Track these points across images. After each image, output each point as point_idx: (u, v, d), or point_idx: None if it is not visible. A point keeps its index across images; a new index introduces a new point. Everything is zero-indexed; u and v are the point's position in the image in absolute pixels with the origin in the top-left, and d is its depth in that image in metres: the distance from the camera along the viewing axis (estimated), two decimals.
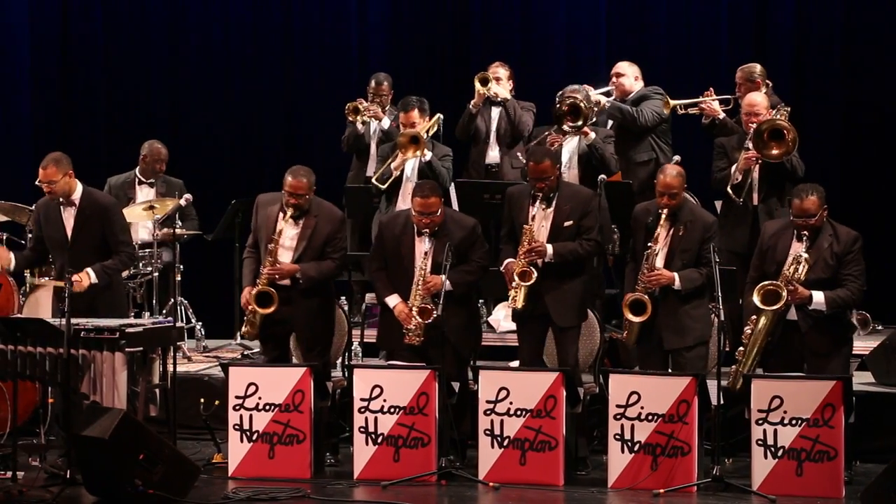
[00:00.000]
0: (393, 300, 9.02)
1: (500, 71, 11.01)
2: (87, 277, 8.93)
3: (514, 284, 8.91)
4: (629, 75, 10.76)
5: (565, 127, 10.11)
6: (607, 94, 10.69)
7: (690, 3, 12.36)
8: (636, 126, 10.57)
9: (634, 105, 10.61)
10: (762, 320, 8.52)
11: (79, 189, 9.11)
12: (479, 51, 12.35)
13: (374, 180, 10.47)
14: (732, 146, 9.91)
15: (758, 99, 9.95)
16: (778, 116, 9.87)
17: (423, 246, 8.97)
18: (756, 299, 8.48)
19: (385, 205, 10.49)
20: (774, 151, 9.64)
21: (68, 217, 9.10)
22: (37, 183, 9.12)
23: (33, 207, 9.41)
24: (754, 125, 9.73)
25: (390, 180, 10.36)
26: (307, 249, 9.02)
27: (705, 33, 12.31)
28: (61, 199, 9.05)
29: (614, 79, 10.73)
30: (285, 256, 9.01)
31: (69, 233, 9.08)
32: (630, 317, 8.77)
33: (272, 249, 8.95)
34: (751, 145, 9.70)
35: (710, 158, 10.50)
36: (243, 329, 9.15)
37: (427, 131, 10.56)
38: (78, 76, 13.11)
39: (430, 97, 10.77)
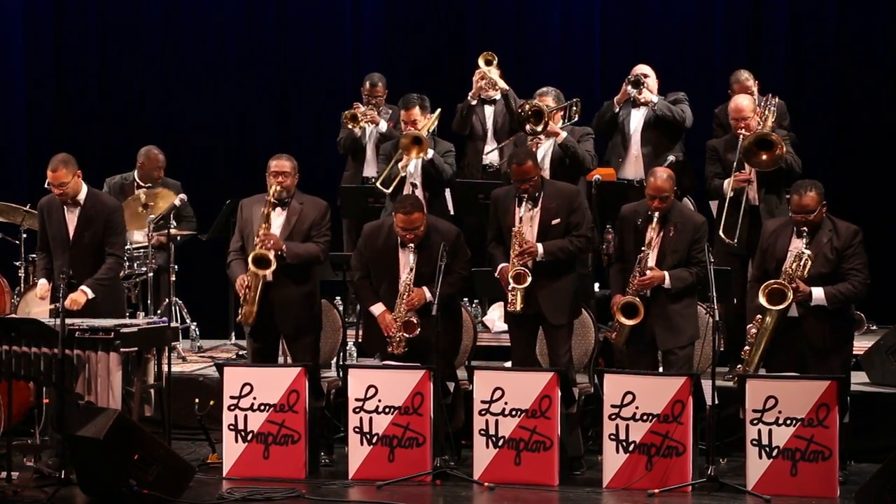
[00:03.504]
0: (377, 309, 9.02)
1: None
2: (82, 296, 8.97)
3: (510, 288, 8.92)
4: (653, 77, 10.67)
5: (528, 129, 10.07)
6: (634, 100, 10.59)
7: (685, 3, 12.37)
8: (682, 127, 10.59)
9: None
10: (768, 319, 8.50)
11: (84, 190, 9.12)
12: (474, 50, 12.32)
13: (378, 184, 10.40)
14: (724, 149, 9.88)
15: (744, 103, 9.84)
16: (767, 114, 9.85)
17: (406, 258, 8.97)
18: (762, 299, 8.45)
19: (390, 205, 10.44)
20: (764, 157, 9.59)
21: (72, 217, 9.10)
22: (46, 185, 9.10)
23: (37, 207, 9.37)
24: (742, 132, 9.69)
25: (395, 182, 10.32)
26: (293, 234, 9.07)
27: (700, 32, 12.31)
28: (67, 200, 9.06)
29: (642, 79, 10.60)
30: None
31: (71, 233, 9.09)
32: (623, 320, 8.77)
33: (265, 215, 8.98)
34: (740, 156, 9.62)
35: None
36: (241, 312, 9.10)
37: (428, 129, 10.54)
38: (72, 77, 13.09)
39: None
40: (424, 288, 8.85)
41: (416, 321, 8.83)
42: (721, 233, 9.66)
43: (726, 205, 9.70)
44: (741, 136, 9.68)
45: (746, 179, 9.68)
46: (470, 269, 9.18)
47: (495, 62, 10.97)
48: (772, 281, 8.49)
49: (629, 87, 10.53)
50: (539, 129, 9.99)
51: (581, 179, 10.15)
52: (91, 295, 8.99)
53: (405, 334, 8.86)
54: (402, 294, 8.92)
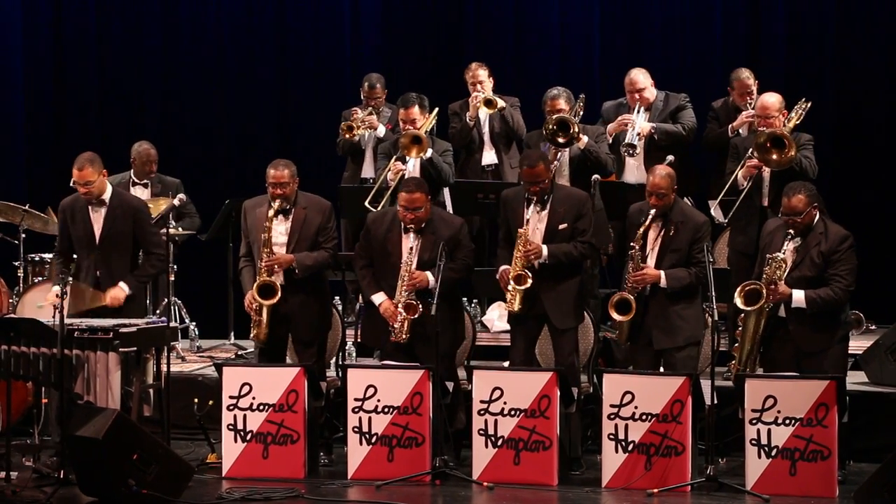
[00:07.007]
0: (379, 298, 9.03)
1: (480, 73, 10.94)
2: (121, 292, 8.98)
3: (510, 288, 8.92)
4: (647, 85, 10.60)
5: (560, 141, 10.08)
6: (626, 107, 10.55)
7: (684, 4, 12.37)
8: (685, 139, 10.56)
9: (672, 118, 10.57)
10: (748, 320, 8.54)
11: (108, 189, 9.11)
12: (473, 51, 12.34)
13: (367, 203, 10.36)
14: (747, 148, 9.82)
15: (770, 100, 9.78)
16: (793, 116, 9.83)
17: (408, 242, 8.99)
18: (738, 300, 8.51)
19: (391, 202, 10.43)
20: (774, 157, 9.56)
21: (97, 217, 9.07)
22: (72, 184, 9.06)
23: (58, 209, 9.29)
24: (763, 129, 9.67)
25: (384, 200, 10.30)
26: (300, 241, 9.06)
27: (699, 33, 12.31)
28: (93, 199, 9.04)
29: (636, 95, 10.55)
30: (279, 251, 9.03)
31: (98, 232, 9.06)
32: (616, 316, 8.79)
33: (266, 239, 8.97)
34: (752, 153, 9.64)
35: (708, 160, 10.51)
36: (252, 334, 9.12)
37: (426, 129, 10.52)
38: (71, 76, 13.07)
39: None
40: (427, 273, 8.86)
41: (416, 303, 8.83)
42: (717, 204, 9.66)
43: (727, 186, 9.68)
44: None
45: (758, 166, 9.63)
46: (473, 258, 9.19)
47: (482, 77, 10.93)
48: (748, 282, 8.53)
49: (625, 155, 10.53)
50: (571, 135, 10.00)
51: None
52: (129, 291, 8.99)
53: (407, 316, 8.86)
54: (402, 276, 8.93)
